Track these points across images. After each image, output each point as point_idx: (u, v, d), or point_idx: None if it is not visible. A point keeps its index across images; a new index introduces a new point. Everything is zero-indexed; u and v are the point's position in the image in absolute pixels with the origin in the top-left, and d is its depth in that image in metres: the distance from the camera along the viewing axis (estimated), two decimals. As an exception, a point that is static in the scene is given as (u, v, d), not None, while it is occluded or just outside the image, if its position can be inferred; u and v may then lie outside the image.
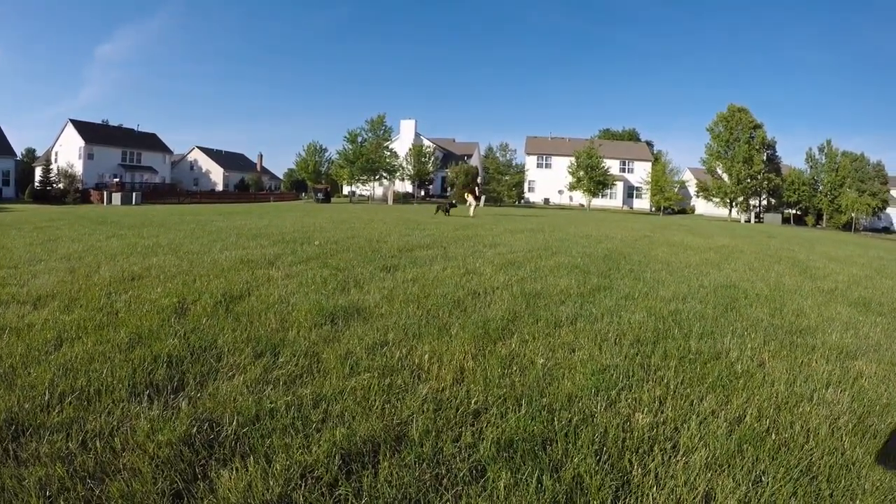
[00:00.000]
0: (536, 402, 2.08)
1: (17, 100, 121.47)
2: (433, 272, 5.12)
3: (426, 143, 58.87)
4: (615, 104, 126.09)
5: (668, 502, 1.47)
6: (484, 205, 19.70)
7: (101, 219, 15.25)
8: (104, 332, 3.05)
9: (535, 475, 1.56)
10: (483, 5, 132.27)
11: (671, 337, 3.11)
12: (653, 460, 1.69)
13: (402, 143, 54.87)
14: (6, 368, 2.50)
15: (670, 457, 1.72)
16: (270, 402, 2.07)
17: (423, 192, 55.24)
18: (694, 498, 1.49)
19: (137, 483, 1.57)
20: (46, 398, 2.15)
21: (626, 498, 1.50)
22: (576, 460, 1.65)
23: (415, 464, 1.62)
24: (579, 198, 53.92)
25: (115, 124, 64.07)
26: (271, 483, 1.53)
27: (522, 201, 54.57)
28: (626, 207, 57.04)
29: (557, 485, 1.52)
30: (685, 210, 56.87)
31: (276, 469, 1.60)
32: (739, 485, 1.58)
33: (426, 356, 2.60)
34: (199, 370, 2.46)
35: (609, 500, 1.47)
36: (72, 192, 47.79)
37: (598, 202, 53.07)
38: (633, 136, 77.69)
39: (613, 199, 57.85)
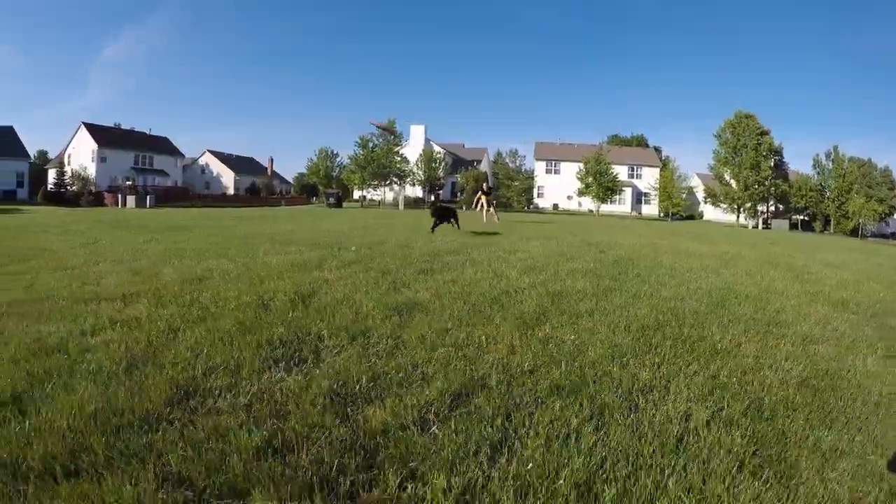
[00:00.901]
0: (570, 364, 2.93)
1: (26, 101, 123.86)
2: (467, 275, 5.95)
3: (436, 148, 59.72)
4: (623, 109, 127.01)
5: (662, 417, 2.32)
6: (496, 210, 19.43)
7: (123, 222, 16.12)
8: (208, 323, 3.65)
9: (578, 402, 2.41)
10: (488, 7, 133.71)
11: (669, 326, 3.95)
12: (652, 396, 2.55)
13: (412, 149, 55.68)
14: (145, 351, 3.08)
15: (664, 395, 2.57)
16: (380, 368, 2.90)
17: (433, 197, 56.22)
18: (678, 414, 2.34)
19: (310, 417, 2.36)
20: (197, 372, 2.74)
21: (636, 414, 2.35)
22: (602, 395, 2.51)
23: (498, 397, 2.47)
24: (588, 203, 54.45)
25: (127, 127, 65.02)
26: (408, 411, 2.36)
27: (532, 207, 55.16)
28: (634, 213, 57.55)
29: (592, 406, 2.38)
30: (693, 216, 57.31)
31: (407, 403, 2.43)
32: (709, 409, 2.43)
33: (483, 337, 3.44)
34: (310, 350, 3.19)
35: (626, 415, 2.33)
36: (85, 195, 48.63)
37: (606, 208, 53.60)
38: (641, 142, 78.35)
39: (622, 205, 58.32)
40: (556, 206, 58.46)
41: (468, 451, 1.98)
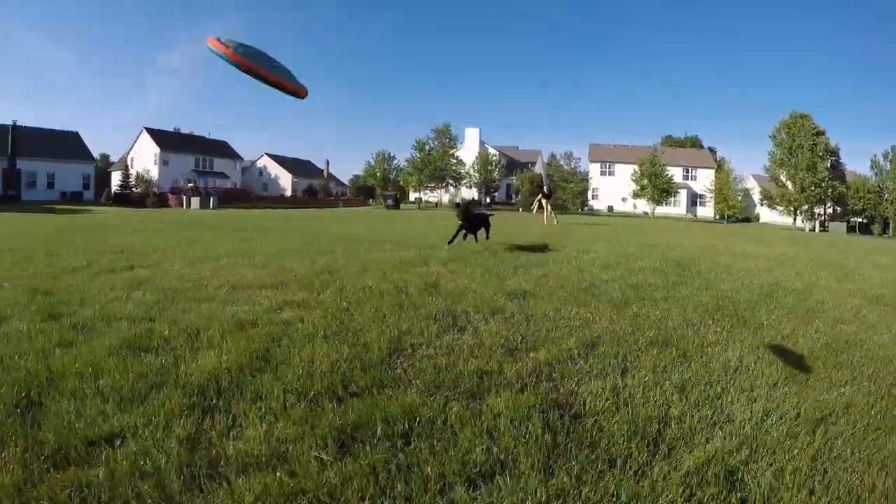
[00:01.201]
0: (657, 330, 4.23)
1: (88, 108, 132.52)
2: (554, 270, 7.22)
3: (491, 150, 60.93)
4: (677, 109, 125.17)
5: (723, 359, 3.60)
6: (554, 213, 20.21)
7: (199, 222, 17.78)
8: (371, 303, 4.73)
9: (667, 350, 3.72)
10: (543, 11, 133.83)
11: (726, 309, 5.18)
12: (716, 349, 3.82)
13: (466, 151, 57.11)
14: (332, 323, 4.06)
15: (724, 348, 3.84)
16: (525, 332, 4.24)
17: (488, 199, 57.43)
18: (734, 358, 3.61)
19: (494, 358, 3.75)
20: (393, 335, 3.76)
21: (706, 357, 3.64)
22: (683, 347, 3.80)
23: (613, 347, 3.80)
24: (643, 205, 54.45)
25: (187, 131, 68.81)
26: (560, 353, 3.70)
27: (586, 209, 55.59)
28: (689, 215, 57.22)
29: (677, 353, 3.68)
30: (749, 218, 56.46)
31: (557, 349, 3.77)
32: (755, 356, 3.70)
33: (587, 314, 4.75)
34: (465, 321, 4.45)
35: (700, 358, 3.62)
36: (150, 196, 51.84)
37: (661, 210, 53.57)
38: (695, 143, 77.36)
39: (677, 207, 58.08)
40: (610, 209, 58.64)
41: (606, 372, 3.31)
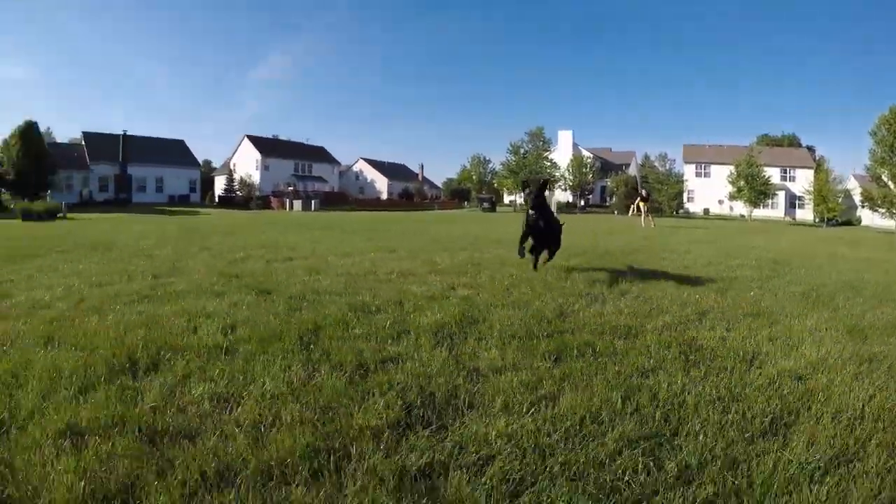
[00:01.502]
0: (753, 307, 5.65)
1: (189, 117, 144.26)
2: (662, 265, 8.69)
3: (584, 152, 61.17)
4: (772, 107, 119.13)
5: (807, 322, 5.00)
6: (652, 216, 20.76)
7: (311, 223, 19.61)
8: (522, 287, 6.33)
9: (763, 320, 5.16)
10: (633, 11, 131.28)
11: (811, 296, 6.46)
12: (797, 319, 5.21)
13: (560, 154, 57.80)
14: (499, 297, 5.91)
15: (804, 319, 5.22)
16: (652, 305, 5.81)
17: (582, 202, 57.87)
18: (814, 324, 5.00)
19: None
20: (557, 304, 5.97)
21: (796, 320, 5.05)
22: (772, 316, 5.23)
23: (717, 315, 5.28)
24: (740, 208, 52.88)
25: (285, 138, 73.31)
26: (680, 317, 5.24)
27: (681, 212, 54.63)
28: (788, 218, 55.02)
29: (767, 320, 5.13)
30: (851, 221, 53.25)
31: (671, 318, 5.31)
32: (826, 322, 5.07)
33: (697, 296, 6.20)
34: (603, 298, 6.14)
35: (790, 323, 5.05)
36: (254, 199, 55.73)
37: (759, 213, 51.86)
38: (792, 142, 73.61)
39: (775, 210, 56.02)
40: (706, 211, 57.28)
41: (714, 328, 4.81)
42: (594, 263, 8.60)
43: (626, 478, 2.29)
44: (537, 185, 6.98)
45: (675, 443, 2.62)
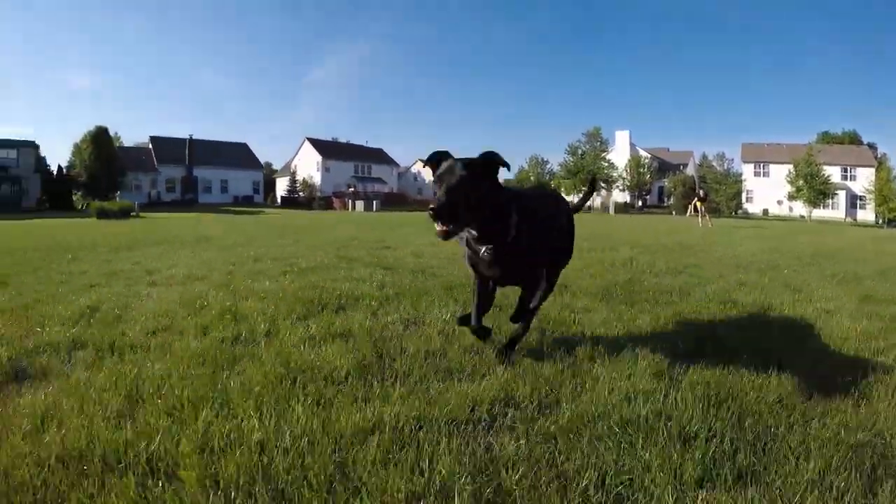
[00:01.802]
0: (787, 283, 6.99)
1: (249, 121, 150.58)
2: (714, 254, 9.98)
3: (641, 153, 60.95)
4: (832, 103, 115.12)
5: (822, 294, 6.32)
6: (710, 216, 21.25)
7: (381, 223, 20.85)
8: (610, 268, 8.36)
9: (793, 291, 6.52)
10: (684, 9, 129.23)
11: (841, 278, 7.68)
12: (822, 290, 6.53)
13: (617, 154, 57.84)
14: (613, 271, 7.90)
15: (828, 291, 6.54)
16: (700, 280, 7.20)
17: (640, 202, 57.94)
18: (833, 297, 6.32)
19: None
20: (629, 277, 7.46)
21: (813, 294, 6.39)
22: (803, 288, 6.58)
23: (756, 287, 6.65)
24: (799, 208, 51.81)
25: (344, 140, 75.62)
26: (723, 287, 6.63)
27: (740, 212, 53.83)
28: (849, 218, 53.46)
29: (799, 294, 6.48)
30: (915, 221, 51.29)
31: (716, 287, 6.70)
32: (852, 295, 6.37)
33: (740, 275, 7.54)
34: (662, 275, 7.62)
35: (816, 291, 6.40)
36: (316, 200, 57.53)
37: (819, 213, 50.53)
38: (853, 139, 71.03)
39: (835, 210, 54.37)
40: (765, 212, 56.15)
41: (753, 294, 6.20)
42: (655, 254, 10.01)
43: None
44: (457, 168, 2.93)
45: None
